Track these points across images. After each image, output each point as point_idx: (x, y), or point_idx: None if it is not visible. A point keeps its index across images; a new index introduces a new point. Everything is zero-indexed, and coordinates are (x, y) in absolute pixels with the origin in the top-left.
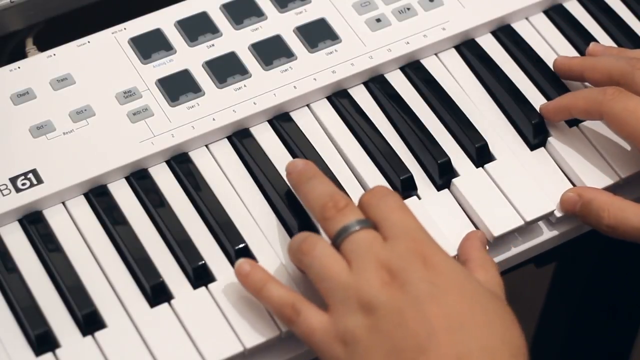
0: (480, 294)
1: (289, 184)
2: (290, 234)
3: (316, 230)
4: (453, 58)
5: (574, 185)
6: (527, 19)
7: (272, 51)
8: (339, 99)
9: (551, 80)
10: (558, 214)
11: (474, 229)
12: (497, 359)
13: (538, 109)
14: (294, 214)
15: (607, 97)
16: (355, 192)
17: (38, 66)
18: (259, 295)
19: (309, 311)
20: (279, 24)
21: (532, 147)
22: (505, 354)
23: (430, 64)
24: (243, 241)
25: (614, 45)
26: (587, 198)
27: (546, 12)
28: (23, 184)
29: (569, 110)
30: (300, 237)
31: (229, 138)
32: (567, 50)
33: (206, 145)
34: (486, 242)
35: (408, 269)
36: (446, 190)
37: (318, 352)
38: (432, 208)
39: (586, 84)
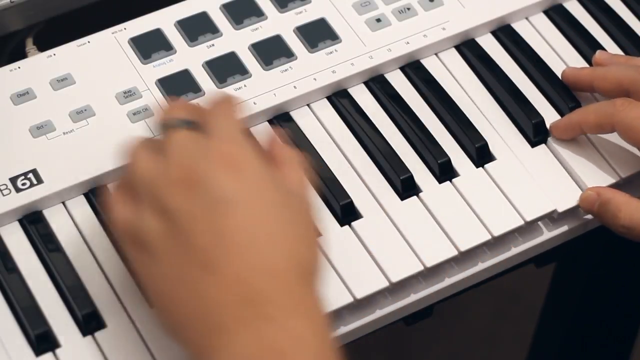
0: (280, 204)
1: None
2: None
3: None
4: (453, 58)
5: (574, 184)
6: (527, 19)
7: (272, 51)
8: (339, 98)
9: (551, 80)
10: (560, 209)
11: (474, 228)
12: (283, 278)
13: (539, 110)
14: None
15: (618, 108)
16: (355, 192)
17: (38, 66)
18: None
19: (116, 205)
20: (279, 24)
21: (532, 147)
22: (291, 274)
23: (430, 64)
24: None
25: (614, 45)
26: (605, 198)
27: (546, 12)
28: (23, 184)
29: (580, 126)
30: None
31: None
32: (567, 50)
33: None
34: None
35: (210, 172)
36: (446, 189)
37: (123, 248)
38: (432, 207)
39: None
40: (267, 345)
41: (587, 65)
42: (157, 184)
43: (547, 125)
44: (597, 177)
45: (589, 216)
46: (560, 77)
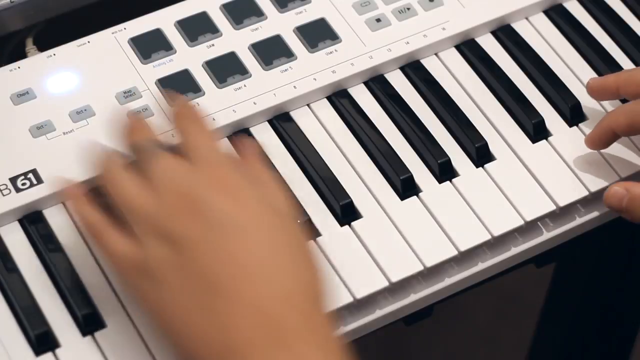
0: (277, 227)
1: None
2: None
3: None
4: (453, 58)
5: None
6: (527, 19)
7: (272, 51)
8: (339, 98)
9: (551, 80)
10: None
11: (474, 228)
12: (290, 303)
13: (539, 110)
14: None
15: None
16: (355, 192)
17: (38, 66)
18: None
19: (114, 238)
20: (279, 24)
21: (532, 147)
22: (298, 297)
23: (430, 64)
24: None
25: (614, 45)
26: (635, 193)
27: (546, 12)
28: (23, 184)
29: (612, 129)
30: (98, 161)
31: (229, 138)
32: (567, 50)
33: None
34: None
35: (210, 198)
36: (446, 189)
37: (123, 279)
38: (432, 207)
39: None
40: None
41: (587, 65)
42: (156, 213)
43: (548, 125)
44: (597, 177)
45: (589, 216)
46: (559, 76)
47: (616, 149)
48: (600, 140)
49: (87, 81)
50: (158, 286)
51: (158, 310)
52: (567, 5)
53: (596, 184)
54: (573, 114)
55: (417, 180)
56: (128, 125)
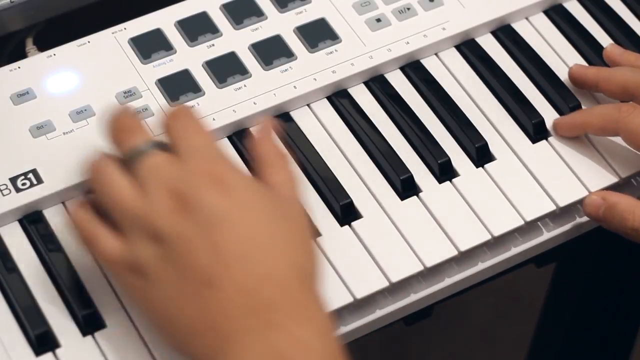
0: (272, 213)
1: None
2: None
3: None
4: (453, 58)
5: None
6: (527, 19)
7: (272, 51)
8: (339, 99)
9: (551, 80)
10: (562, 204)
11: (474, 228)
12: (286, 285)
13: (539, 110)
14: None
15: (623, 114)
16: (355, 192)
17: (38, 66)
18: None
19: (103, 237)
20: (279, 24)
21: (532, 147)
22: (291, 279)
23: (430, 64)
24: None
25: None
26: (611, 202)
27: (546, 12)
28: (23, 184)
29: (583, 127)
30: (90, 164)
31: (229, 138)
32: (567, 50)
33: None
34: (272, 131)
35: (198, 192)
36: (446, 189)
37: (114, 277)
38: (432, 207)
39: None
40: (275, 352)
41: (587, 65)
42: (144, 212)
43: (548, 125)
44: (597, 177)
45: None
46: (559, 76)
47: (616, 149)
48: (569, 131)
49: (87, 81)
50: (149, 283)
51: (151, 306)
52: (567, 5)
53: (596, 184)
54: None
55: (417, 180)
56: (119, 125)
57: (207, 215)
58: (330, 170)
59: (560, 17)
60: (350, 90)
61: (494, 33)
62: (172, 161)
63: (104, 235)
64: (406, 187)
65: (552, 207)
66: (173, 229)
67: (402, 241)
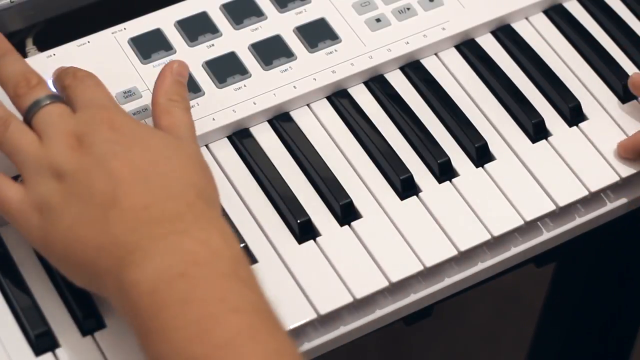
0: (162, 145)
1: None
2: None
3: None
4: (453, 58)
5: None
6: (527, 19)
7: (272, 51)
8: (339, 99)
9: (551, 80)
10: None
11: (474, 227)
12: (183, 200)
13: (539, 110)
14: (295, 213)
15: None
16: (355, 192)
17: (38, 66)
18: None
19: (5, 183)
20: (279, 24)
21: (532, 147)
22: (190, 195)
23: (430, 64)
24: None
25: (614, 45)
26: None
27: (546, 12)
28: None
29: None
30: None
31: (229, 138)
32: (567, 50)
33: (206, 145)
34: (182, 74)
35: (93, 133)
36: (446, 189)
37: (15, 224)
38: (432, 207)
39: None
40: (183, 255)
41: (587, 65)
42: (44, 153)
43: (547, 125)
44: (597, 177)
45: (589, 216)
46: (559, 76)
47: (616, 149)
48: (633, 152)
49: None
50: (53, 215)
51: (57, 239)
52: (567, 5)
53: (596, 184)
54: (573, 114)
55: (417, 180)
56: (14, 83)
57: (103, 149)
58: (330, 170)
59: (560, 17)
60: (350, 90)
61: (494, 33)
62: (68, 111)
63: (6, 183)
64: (406, 187)
65: (552, 207)
66: (72, 164)
67: (402, 241)
